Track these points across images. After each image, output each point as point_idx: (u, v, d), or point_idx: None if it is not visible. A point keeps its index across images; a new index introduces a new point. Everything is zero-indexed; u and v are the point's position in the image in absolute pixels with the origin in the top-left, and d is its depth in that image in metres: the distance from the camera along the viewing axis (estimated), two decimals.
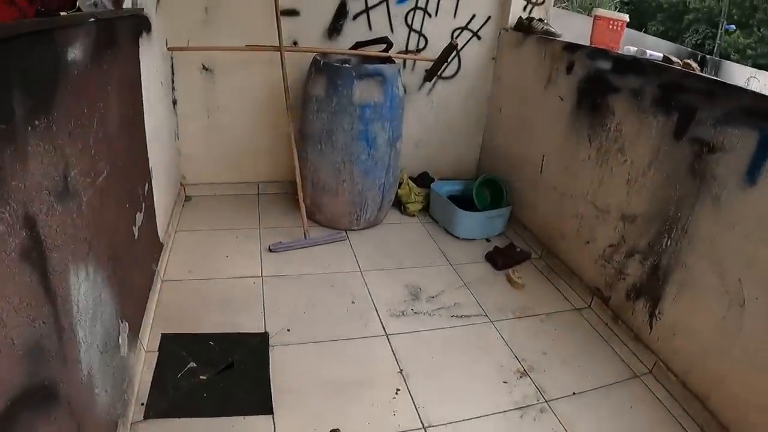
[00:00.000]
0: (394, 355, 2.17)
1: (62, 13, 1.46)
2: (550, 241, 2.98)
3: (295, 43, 3.14)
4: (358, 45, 3.16)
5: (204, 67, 3.10)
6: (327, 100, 2.78)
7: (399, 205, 3.41)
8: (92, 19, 1.57)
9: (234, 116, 3.21)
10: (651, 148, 2.21)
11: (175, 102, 3.13)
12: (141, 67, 2.27)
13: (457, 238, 3.14)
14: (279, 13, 2.94)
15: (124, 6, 2.03)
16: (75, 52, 1.42)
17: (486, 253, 2.99)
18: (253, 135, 3.28)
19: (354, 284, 2.62)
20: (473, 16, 3.36)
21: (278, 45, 2.94)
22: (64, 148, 1.30)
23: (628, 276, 2.35)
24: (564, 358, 2.24)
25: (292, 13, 3.08)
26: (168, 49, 2.96)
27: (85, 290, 1.40)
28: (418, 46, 3.33)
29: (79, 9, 1.69)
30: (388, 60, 3.06)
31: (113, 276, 1.68)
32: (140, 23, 2.33)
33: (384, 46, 3.12)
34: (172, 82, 3.08)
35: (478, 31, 3.40)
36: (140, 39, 2.30)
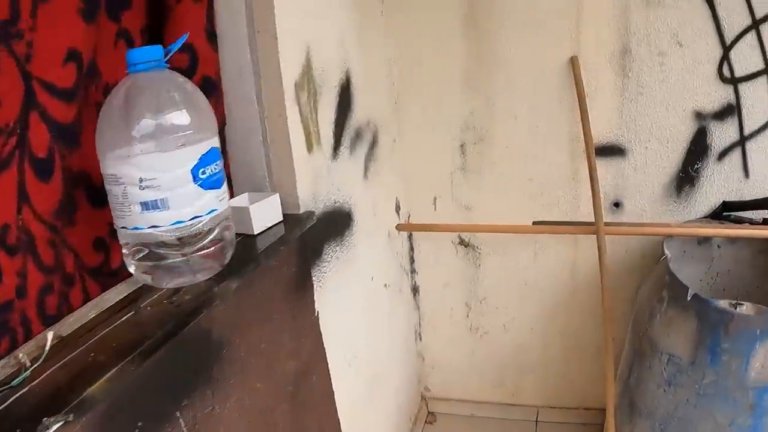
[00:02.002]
0: None
1: None
2: None
3: (616, 205, 1.79)
4: (726, 208, 1.69)
5: (462, 242, 1.96)
6: (694, 368, 1.41)
7: None
8: None
9: (507, 314, 2.01)
10: None
11: (416, 290, 2.07)
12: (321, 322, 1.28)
13: None
14: (593, 158, 1.65)
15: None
16: None
17: None
18: (535, 343, 2.02)
19: None
20: None
21: (593, 222, 1.66)
22: None
23: None
24: None
25: (614, 151, 1.73)
26: (396, 228, 1.89)
27: None
28: None
29: None
30: None
31: None
32: (318, 236, 1.31)
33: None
34: (411, 262, 2.02)
35: None
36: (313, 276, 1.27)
